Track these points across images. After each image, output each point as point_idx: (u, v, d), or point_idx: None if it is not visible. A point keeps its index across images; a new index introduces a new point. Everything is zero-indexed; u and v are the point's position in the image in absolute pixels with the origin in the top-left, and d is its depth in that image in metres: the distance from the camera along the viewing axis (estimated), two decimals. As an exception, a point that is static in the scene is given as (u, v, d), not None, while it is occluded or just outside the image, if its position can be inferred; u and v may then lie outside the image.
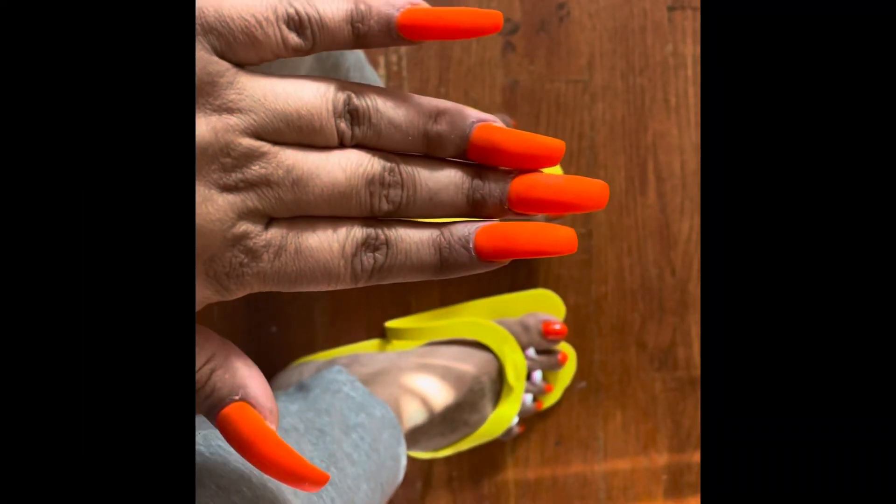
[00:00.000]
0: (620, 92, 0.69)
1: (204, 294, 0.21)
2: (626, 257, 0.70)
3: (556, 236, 0.21)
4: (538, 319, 0.64)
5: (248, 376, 0.22)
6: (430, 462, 0.67)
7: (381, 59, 0.66)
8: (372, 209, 0.21)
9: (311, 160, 0.21)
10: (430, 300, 0.67)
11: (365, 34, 0.21)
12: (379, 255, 0.21)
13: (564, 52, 0.69)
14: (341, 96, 0.21)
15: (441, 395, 0.58)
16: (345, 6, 0.20)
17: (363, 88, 0.21)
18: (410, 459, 0.67)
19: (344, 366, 0.58)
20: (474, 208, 0.22)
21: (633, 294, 0.70)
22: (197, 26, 0.19)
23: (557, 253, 0.21)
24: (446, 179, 0.22)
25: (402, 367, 0.58)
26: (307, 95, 0.20)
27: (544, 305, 0.67)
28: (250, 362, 0.23)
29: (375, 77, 0.52)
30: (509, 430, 0.65)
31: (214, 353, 0.22)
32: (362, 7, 0.21)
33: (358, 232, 0.21)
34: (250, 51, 0.20)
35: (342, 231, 0.21)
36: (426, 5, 0.21)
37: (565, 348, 0.67)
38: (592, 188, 0.21)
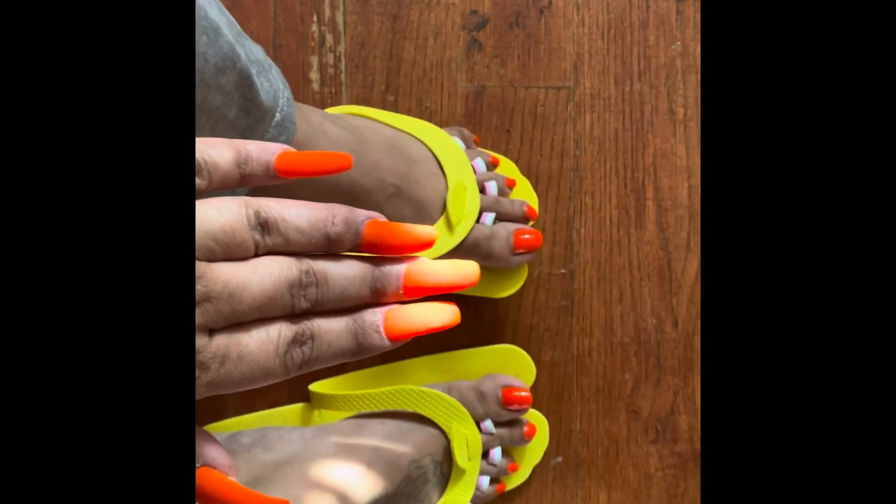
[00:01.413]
0: (613, 101, 0.56)
1: None
2: (616, 304, 0.57)
3: (443, 313, 0.25)
4: (497, 384, 0.52)
5: (201, 444, 0.25)
6: (367, 551, 0.56)
7: (315, 61, 0.54)
8: (293, 308, 0.24)
9: (241, 273, 0.23)
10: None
11: (249, 175, 0.26)
12: (306, 349, 0.24)
13: (544, 53, 0.56)
14: (252, 211, 0.24)
15: (366, 488, 0.46)
16: (230, 154, 0.25)
17: (268, 203, 0.24)
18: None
19: (247, 446, 0.47)
20: (377, 296, 0.25)
21: (625, 349, 0.57)
22: None
23: (448, 326, 0.25)
24: (352, 273, 0.25)
25: (316, 452, 0.46)
26: (227, 214, 0.23)
27: (509, 364, 0.54)
28: (200, 430, 0.25)
29: (254, 50, 0.40)
30: (462, 519, 0.53)
31: None
32: (244, 153, 0.25)
33: (286, 331, 0.24)
34: None
35: (273, 332, 0.24)
36: (292, 149, 0.26)
37: (534, 418, 0.55)
38: (466, 269, 0.26)
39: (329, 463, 0.46)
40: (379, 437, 0.49)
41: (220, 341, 0.23)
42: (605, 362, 0.57)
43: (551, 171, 0.56)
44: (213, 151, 0.25)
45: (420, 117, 0.55)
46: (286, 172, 0.26)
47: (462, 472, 0.50)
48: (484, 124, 0.56)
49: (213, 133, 0.38)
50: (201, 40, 0.34)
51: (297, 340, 0.24)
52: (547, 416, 0.56)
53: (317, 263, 0.25)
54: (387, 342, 0.25)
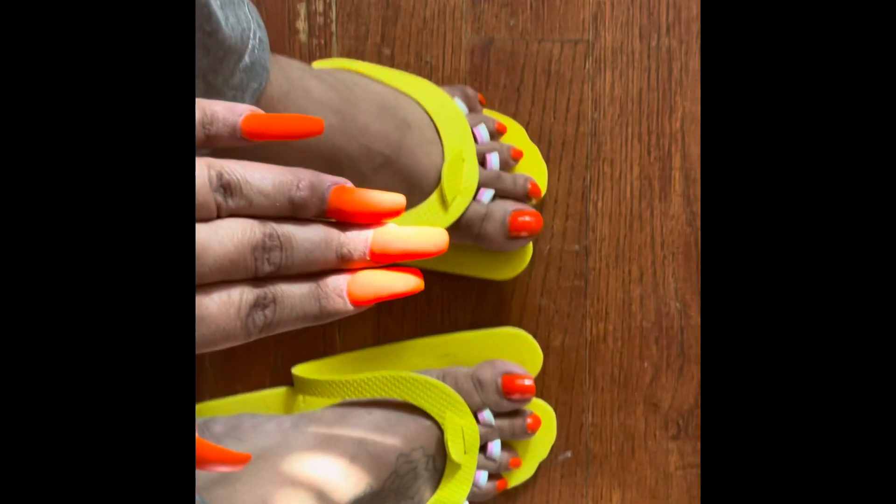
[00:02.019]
0: (638, 57, 0.50)
1: None
2: (635, 285, 0.51)
3: (407, 279, 0.26)
4: (496, 371, 0.46)
5: None
6: (355, 549, 0.51)
7: (302, 8, 0.49)
8: (256, 272, 0.24)
9: (202, 234, 0.23)
10: (360, 336, 0.50)
11: (214, 136, 0.25)
12: (268, 312, 0.24)
13: (560, 1, 0.50)
14: (213, 172, 0.23)
15: (348, 485, 0.41)
16: (196, 114, 0.24)
17: (231, 164, 0.24)
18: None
19: (218, 437, 0.42)
20: (343, 262, 0.26)
21: (644, 335, 0.51)
22: None
23: (412, 292, 0.26)
24: (317, 238, 0.25)
25: (293, 445, 0.42)
26: None
27: (513, 350, 0.49)
28: None
29: (245, 14, 0.36)
30: (458, 518, 0.48)
31: None
32: (209, 113, 0.25)
33: (248, 294, 0.24)
34: None
35: (234, 295, 0.24)
36: (260, 111, 0.25)
37: (540, 409, 0.49)
38: (434, 236, 0.26)
39: (307, 457, 0.41)
40: (364, 428, 0.44)
41: None
42: (621, 349, 0.51)
43: (566, 135, 0.50)
44: None
45: (419, 74, 0.49)
46: (253, 134, 0.25)
47: (457, 466, 0.46)
48: (491, 82, 0.50)
49: None
50: None
51: (258, 304, 0.24)
52: (555, 408, 0.51)
53: (281, 227, 0.24)
54: (350, 307, 0.25)
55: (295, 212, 0.25)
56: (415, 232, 0.25)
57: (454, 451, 0.45)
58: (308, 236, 0.25)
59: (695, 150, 0.50)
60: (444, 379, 0.46)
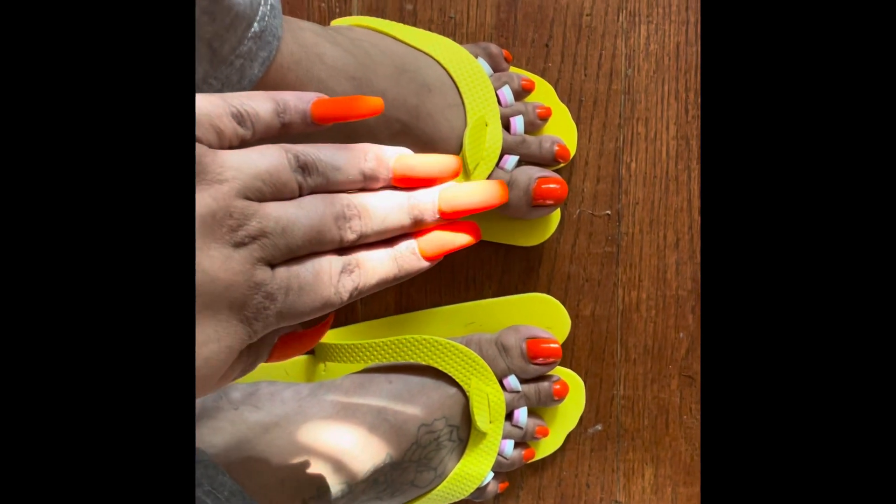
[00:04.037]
0: (675, 9, 0.47)
1: (241, 338, 0.24)
2: (671, 251, 0.48)
3: (467, 229, 0.28)
4: (521, 336, 0.45)
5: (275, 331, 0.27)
6: (379, 519, 0.50)
7: (321, -37, 0.47)
8: (342, 241, 0.26)
9: (290, 210, 0.25)
10: (383, 304, 0.49)
11: (289, 123, 0.27)
12: (355, 277, 0.27)
13: (592, -50, 0.47)
14: (291, 155, 0.26)
15: (364, 456, 0.40)
16: (270, 104, 0.27)
17: (303, 147, 0.26)
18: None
19: (235, 403, 0.41)
20: (416, 224, 0.28)
21: (680, 304, 0.49)
22: None
23: (474, 241, 0.28)
24: (389, 203, 0.27)
25: (310, 413, 0.41)
26: (270, 158, 0.25)
27: (540, 316, 0.47)
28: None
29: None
30: (483, 489, 0.46)
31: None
32: (281, 104, 0.27)
33: (336, 261, 0.26)
34: (215, 140, 0.25)
35: (325, 263, 0.26)
36: (325, 97, 0.28)
37: (566, 376, 0.47)
38: (494, 191, 0.28)
39: (324, 426, 0.40)
40: (384, 397, 0.43)
41: (282, 273, 0.25)
42: (655, 319, 0.49)
43: (597, 93, 0.48)
44: (254, 102, 0.26)
45: (443, 30, 0.47)
46: (322, 118, 0.27)
47: (482, 435, 0.44)
48: (518, 38, 0.47)
49: None
50: None
51: (345, 269, 0.26)
52: (585, 380, 0.49)
53: (355, 197, 0.27)
54: (424, 262, 0.28)
55: (366, 183, 0.27)
56: (476, 187, 0.28)
57: (479, 419, 0.43)
58: (381, 202, 0.27)
59: (736, 107, 0.47)
60: (468, 346, 0.45)
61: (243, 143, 0.26)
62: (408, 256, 0.28)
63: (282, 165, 0.25)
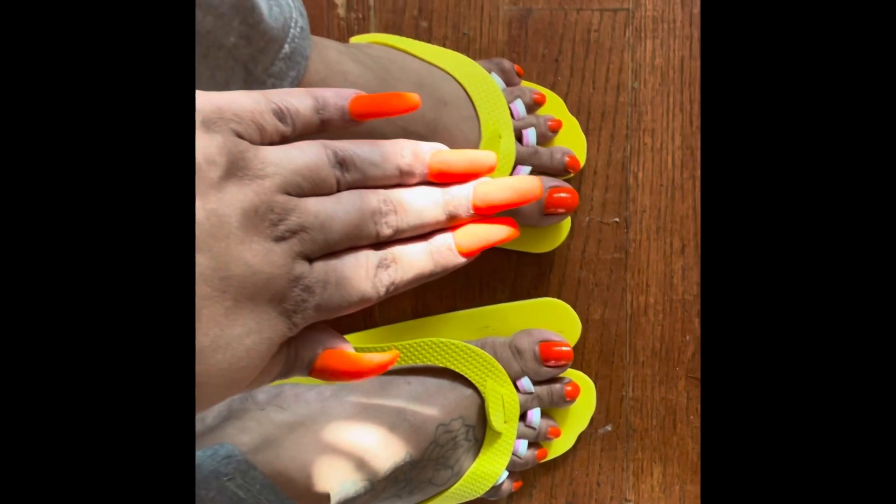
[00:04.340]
0: (679, 25, 0.49)
1: (280, 331, 0.25)
2: (677, 257, 0.50)
3: (504, 227, 0.28)
4: (533, 339, 0.47)
5: (319, 335, 0.27)
6: (396, 518, 0.52)
7: (340, -18, 0.49)
8: (378, 236, 0.27)
9: (328, 205, 0.26)
10: (400, 310, 0.50)
11: (328, 120, 0.27)
12: (391, 272, 0.27)
13: (599, -31, 0.49)
14: (330, 151, 0.26)
15: (386, 455, 0.42)
16: (309, 101, 0.27)
17: (341, 143, 0.27)
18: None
19: (261, 404, 0.43)
20: (451, 219, 0.28)
21: (686, 308, 0.50)
22: (220, 119, 0.24)
23: (511, 237, 0.28)
24: (424, 198, 0.28)
25: (333, 413, 0.42)
26: (309, 154, 0.26)
27: (552, 320, 0.49)
28: (320, 324, 0.27)
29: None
30: (497, 488, 0.48)
31: (291, 342, 0.26)
32: (321, 100, 0.27)
33: (373, 256, 0.26)
34: (257, 136, 0.25)
35: (362, 258, 0.26)
36: (363, 93, 0.28)
37: (577, 378, 0.49)
38: (529, 186, 0.28)
39: (346, 425, 0.42)
40: (403, 398, 0.44)
41: (320, 267, 0.25)
42: (662, 322, 0.51)
43: (605, 105, 0.50)
44: (294, 99, 0.26)
45: (457, 46, 0.49)
46: (360, 115, 0.27)
47: (497, 435, 0.46)
48: (529, 53, 0.49)
49: (206, 61, 0.33)
50: None
51: (381, 264, 0.26)
52: (595, 381, 0.50)
53: (392, 192, 0.27)
54: (460, 258, 0.28)
55: (403, 178, 0.27)
56: (511, 181, 0.28)
57: (495, 419, 0.45)
58: (417, 197, 0.27)
59: (739, 119, 0.49)
60: (482, 349, 0.46)
61: (283, 140, 0.26)
62: (444, 251, 0.27)
63: (321, 161, 0.26)
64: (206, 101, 0.24)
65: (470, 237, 0.28)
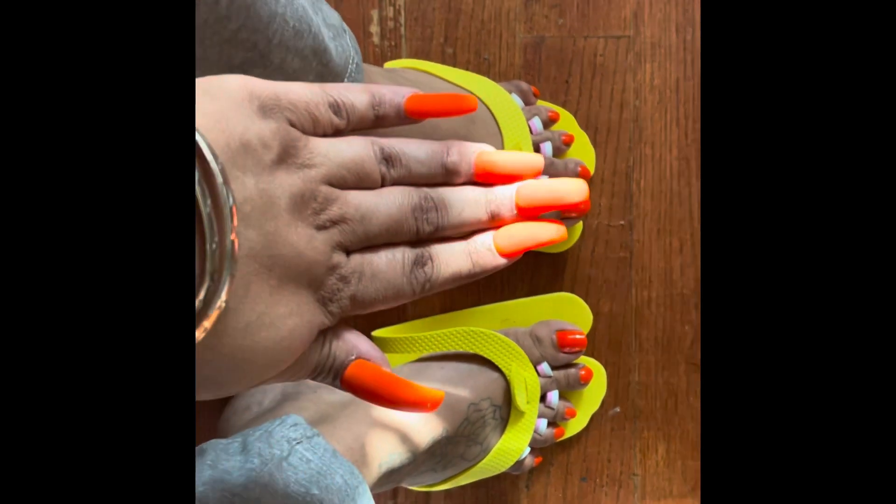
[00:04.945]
0: (675, 49, 0.55)
1: (319, 318, 0.25)
2: (676, 256, 0.56)
3: (549, 227, 0.27)
4: (551, 329, 0.52)
5: (356, 339, 0.27)
6: (427, 494, 0.57)
7: (375, 14, 0.55)
8: (418, 232, 0.27)
9: (370, 198, 0.26)
10: (429, 305, 0.56)
11: (383, 116, 0.27)
12: (427, 269, 0.27)
13: (604, 1, 0.55)
14: (377, 147, 0.26)
15: (426, 429, 0.47)
16: (366, 96, 0.27)
17: (389, 140, 0.27)
18: (402, 489, 0.57)
19: (313, 388, 0.49)
20: (492, 219, 0.28)
21: (685, 301, 0.56)
22: (276, 105, 0.24)
23: (556, 240, 0.27)
24: (467, 197, 0.27)
25: (376, 392, 0.48)
26: (356, 148, 0.26)
27: (566, 312, 0.55)
28: (354, 330, 0.27)
29: (330, 14, 0.41)
30: (520, 463, 0.54)
31: (327, 330, 0.26)
32: (377, 96, 0.27)
33: (409, 253, 0.26)
34: (311, 126, 0.25)
35: (398, 253, 0.26)
36: (420, 91, 0.28)
37: (590, 364, 0.55)
38: (577, 185, 0.27)
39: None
40: (438, 380, 0.50)
41: (356, 259, 0.26)
42: (664, 314, 0.57)
43: (611, 121, 0.56)
44: (352, 94, 0.27)
45: (478, 69, 0.55)
46: (415, 113, 0.27)
47: (521, 414, 0.51)
48: (543, 75, 0.56)
49: None
50: (279, 1, 0.35)
51: (418, 261, 0.26)
52: (605, 367, 0.56)
53: (434, 190, 0.27)
54: (499, 259, 0.27)
55: (448, 177, 0.27)
56: (556, 182, 0.27)
57: (519, 399, 0.51)
58: (458, 196, 0.27)
59: (728, 132, 0.56)
60: (507, 336, 0.52)
61: (337, 132, 0.26)
62: (483, 252, 0.27)
63: (367, 156, 0.26)
64: (265, 87, 0.25)
65: (510, 238, 0.27)
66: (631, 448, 0.57)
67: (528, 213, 0.27)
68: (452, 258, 0.27)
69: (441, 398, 0.26)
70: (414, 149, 0.27)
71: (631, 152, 0.56)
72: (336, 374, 0.26)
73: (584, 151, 0.54)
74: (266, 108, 0.24)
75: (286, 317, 0.24)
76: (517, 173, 0.28)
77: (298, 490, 0.38)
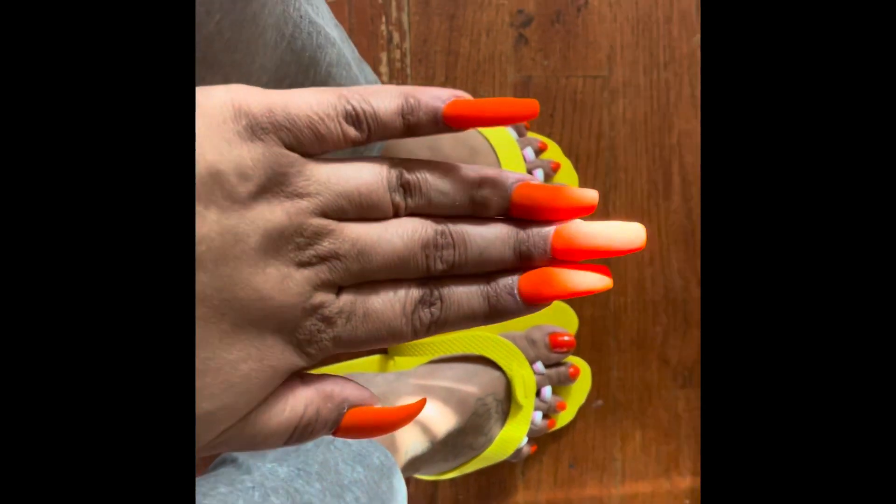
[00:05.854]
0: (643, 88, 0.64)
1: (292, 361, 0.23)
2: (647, 267, 0.65)
3: (590, 276, 0.23)
4: (544, 332, 0.60)
5: (341, 390, 0.24)
6: (435, 484, 0.64)
7: (384, 56, 0.62)
8: (428, 270, 0.23)
9: (372, 232, 0.23)
10: (435, 312, 0.63)
11: (415, 125, 0.23)
12: (434, 310, 0.23)
13: (582, 46, 0.64)
14: (394, 173, 0.23)
15: (442, 421, 0.54)
16: (396, 102, 0.23)
17: (413, 163, 0.24)
18: (413, 480, 0.63)
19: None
20: (521, 260, 0.24)
21: (655, 306, 0.65)
22: (268, 124, 0.21)
23: (593, 291, 0.23)
24: (492, 236, 0.24)
25: (399, 391, 0.54)
26: (365, 176, 0.23)
27: (555, 318, 0.62)
28: (335, 377, 0.25)
29: (370, 73, 0.48)
30: (519, 451, 0.61)
31: (309, 397, 0.24)
32: (412, 101, 0.23)
33: (415, 292, 0.23)
34: (315, 144, 0.22)
35: (401, 292, 0.23)
36: (468, 96, 0.23)
37: (577, 362, 0.63)
38: (630, 232, 0.23)
39: (412, 399, 0.54)
40: (450, 379, 0.57)
41: (347, 298, 0.23)
42: (638, 318, 0.65)
43: (590, 150, 0.64)
44: (375, 101, 0.23)
45: (475, 105, 0.63)
46: (456, 119, 0.23)
47: (520, 407, 0.59)
48: (530, 110, 0.63)
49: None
50: (331, 66, 0.40)
51: (424, 301, 0.23)
52: (589, 365, 0.64)
53: (456, 226, 0.24)
54: (522, 306, 0.24)
55: (475, 210, 0.24)
56: (606, 225, 0.23)
57: (519, 394, 0.58)
58: (483, 233, 0.24)
59: (689, 158, 0.64)
60: (506, 339, 0.60)
61: (354, 145, 0.23)
62: (503, 296, 0.23)
63: (377, 185, 0.23)
64: (258, 101, 0.22)
65: (539, 285, 0.23)
66: (612, 436, 0.65)
67: (565, 256, 0.23)
68: (466, 300, 0.24)
69: (423, 404, 0.24)
70: (438, 177, 0.23)
71: (608, 177, 0.64)
72: (328, 430, 0.24)
73: (568, 176, 0.62)
74: (255, 128, 0.21)
75: (239, 362, 0.22)
76: (569, 210, 0.23)
77: (343, 470, 0.44)
